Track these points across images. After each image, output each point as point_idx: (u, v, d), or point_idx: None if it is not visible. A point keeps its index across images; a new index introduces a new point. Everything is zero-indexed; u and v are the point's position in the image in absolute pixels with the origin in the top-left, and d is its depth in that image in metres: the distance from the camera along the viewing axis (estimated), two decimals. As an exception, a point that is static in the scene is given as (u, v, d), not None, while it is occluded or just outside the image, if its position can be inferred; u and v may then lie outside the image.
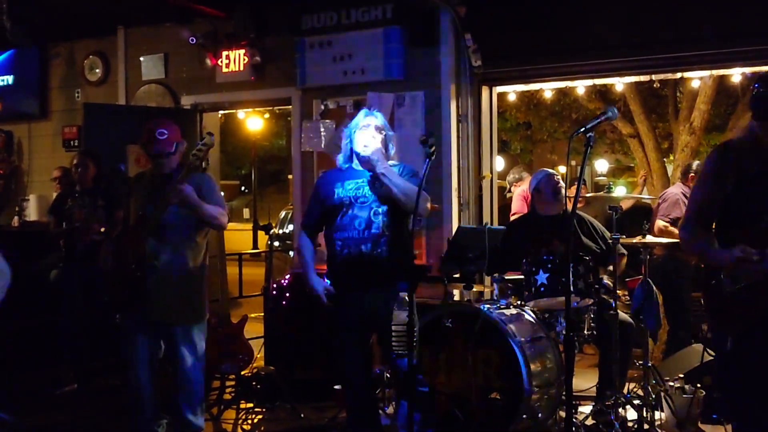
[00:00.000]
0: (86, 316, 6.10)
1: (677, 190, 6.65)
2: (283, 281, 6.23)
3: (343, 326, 4.25)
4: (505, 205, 7.96)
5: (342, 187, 4.22)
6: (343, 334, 4.26)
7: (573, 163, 17.74)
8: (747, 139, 3.09)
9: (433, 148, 3.77)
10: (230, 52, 7.46)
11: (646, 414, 4.77)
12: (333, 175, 4.36)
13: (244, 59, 7.40)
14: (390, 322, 4.05)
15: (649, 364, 4.96)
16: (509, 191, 8.03)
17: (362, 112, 4.29)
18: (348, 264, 4.15)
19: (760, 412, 2.95)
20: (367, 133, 4.15)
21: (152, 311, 4.45)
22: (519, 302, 5.00)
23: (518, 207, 7.53)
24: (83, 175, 6.34)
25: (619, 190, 13.89)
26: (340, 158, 4.34)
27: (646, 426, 4.75)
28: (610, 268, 5.16)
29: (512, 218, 6.69)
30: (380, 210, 4.13)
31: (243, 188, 36.51)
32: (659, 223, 6.41)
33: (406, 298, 3.72)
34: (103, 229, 6.06)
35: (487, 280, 6.02)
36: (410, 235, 3.95)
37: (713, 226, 3.17)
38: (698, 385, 4.88)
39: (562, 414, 4.78)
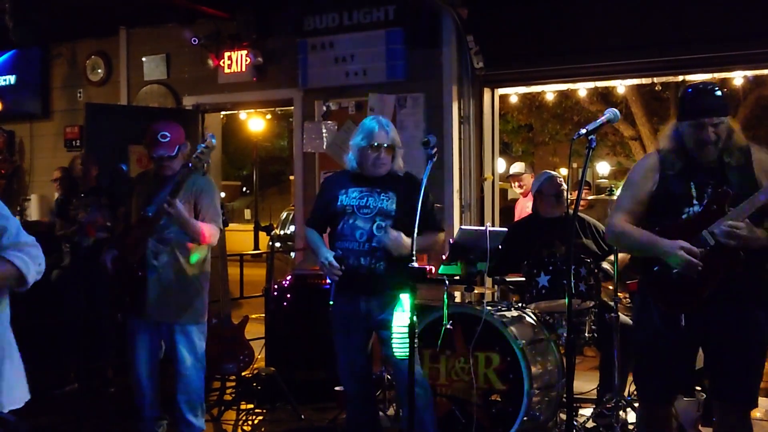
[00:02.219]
0: (89, 315, 6.08)
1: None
2: (284, 282, 6.23)
3: (341, 327, 4.23)
4: (506, 207, 7.90)
5: (346, 194, 4.16)
6: (340, 335, 4.24)
7: (575, 165, 17.75)
8: (671, 141, 3.47)
9: (435, 150, 3.76)
10: (232, 52, 7.47)
11: (647, 417, 4.76)
12: (340, 177, 4.31)
13: (246, 60, 7.40)
14: (386, 323, 4.05)
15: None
16: (512, 186, 7.72)
17: (375, 125, 4.16)
18: (348, 274, 4.07)
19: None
20: (378, 153, 4.11)
21: (152, 311, 4.45)
22: (520, 304, 5.00)
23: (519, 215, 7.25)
24: (87, 174, 6.34)
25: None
26: (348, 160, 4.26)
27: (646, 429, 4.74)
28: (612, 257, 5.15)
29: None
30: (384, 224, 4.07)
31: (244, 189, 36.56)
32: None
33: (407, 299, 3.71)
34: (109, 224, 6.06)
35: (489, 281, 6.02)
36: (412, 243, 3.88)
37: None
38: (698, 389, 4.88)
39: (563, 416, 4.78)
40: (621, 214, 3.52)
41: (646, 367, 3.59)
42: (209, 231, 4.42)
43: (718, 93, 3.40)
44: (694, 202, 3.37)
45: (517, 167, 7.84)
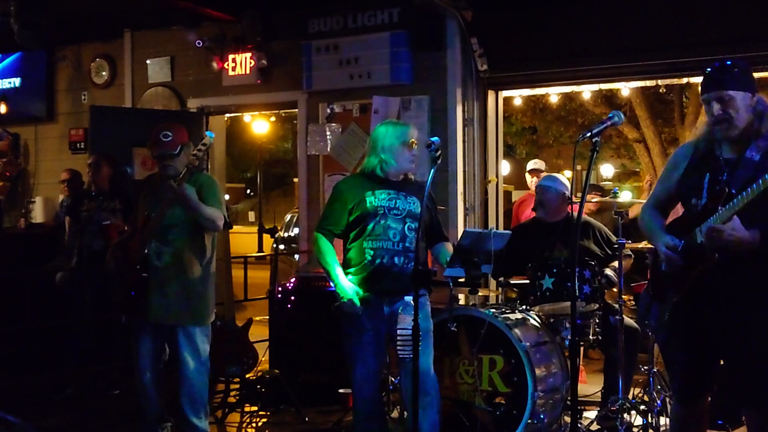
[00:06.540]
0: (96, 317, 6.07)
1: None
2: (288, 284, 6.23)
3: (363, 329, 4.16)
4: (511, 210, 7.86)
5: (373, 195, 4.16)
6: (362, 337, 4.18)
7: (579, 167, 17.71)
8: (705, 127, 3.39)
9: (439, 153, 3.77)
10: (237, 55, 7.48)
11: (652, 419, 4.75)
12: (359, 181, 4.27)
13: (250, 62, 7.41)
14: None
15: (655, 370, 4.94)
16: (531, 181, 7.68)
17: (406, 125, 4.29)
18: (379, 273, 4.10)
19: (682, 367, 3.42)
20: (414, 150, 4.22)
21: (154, 313, 4.45)
22: (524, 307, 4.99)
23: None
24: (96, 176, 6.32)
25: (625, 195, 13.83)
26: (369, 163, 4.25)
27: (651, 431, 4.74)
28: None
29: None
30: (413, 226, 4.13)
31: (248, 191, 36.62)
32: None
33: (412, 302, 3.72)
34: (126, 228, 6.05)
35: (493, 284, 6.02)
36: (423, 245, 4.03)
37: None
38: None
39: (567, 419, 4.77)
40: (651, 200, 3.56)
41: (666, 363, 3.62)
42: (214, 215, 4.43)
43: (724, 66, 3.25)
44: (703, 195, 3.26)
45: (538, 163, 7.79)
